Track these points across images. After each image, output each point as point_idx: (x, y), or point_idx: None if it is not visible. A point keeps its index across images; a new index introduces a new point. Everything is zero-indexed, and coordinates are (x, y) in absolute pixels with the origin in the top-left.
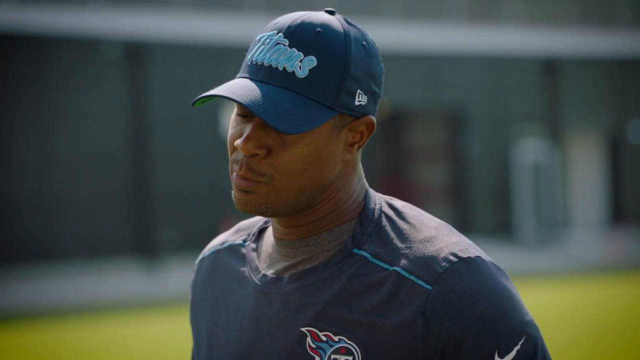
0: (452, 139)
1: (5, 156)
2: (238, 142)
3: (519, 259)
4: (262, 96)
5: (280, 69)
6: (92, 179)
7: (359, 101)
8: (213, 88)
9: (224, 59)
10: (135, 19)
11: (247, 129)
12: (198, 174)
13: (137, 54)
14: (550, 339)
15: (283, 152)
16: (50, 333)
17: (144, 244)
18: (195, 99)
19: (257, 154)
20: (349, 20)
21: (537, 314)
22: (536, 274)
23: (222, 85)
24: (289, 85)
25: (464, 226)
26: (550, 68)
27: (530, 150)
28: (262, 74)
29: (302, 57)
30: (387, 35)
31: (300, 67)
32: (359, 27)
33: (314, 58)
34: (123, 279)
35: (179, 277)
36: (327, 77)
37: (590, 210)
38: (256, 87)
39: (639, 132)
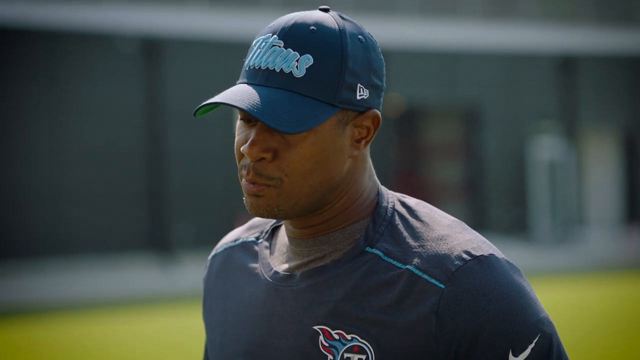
0: (468, 136)
1: (21, 151)
2: (244, 147)
3: (534, 257)
4: (260, 99)
5: (278, 71)
6: (108, 174)
7: (360, 95)
8: (228, 84)
9: (240, 55)
10: (151, 15)
11: (252, 134)
12: (213, 169)
13: (153, 49)
14: (565, 337)
15: (289, 153)
16: (63, 328)
17: (158, 239)
18: (196, 108)
19: (263, 158)
20: (344, 15)
21: (553, 313)
22: (551, 272)
23: (222, 93)
24: (287, 85)
25: (479, 224)
26: (566, 65)
27: (545, 148)
28: (260, 77)
29: (298, 56)
30: (403, 31)
31: (297, 66)
32: (354, 21)
33: (310, 56)
34: (137, 274)
35: (193, 273)
36: (325, 74)
37: (606, 209)
38: (255, 91)
39: None
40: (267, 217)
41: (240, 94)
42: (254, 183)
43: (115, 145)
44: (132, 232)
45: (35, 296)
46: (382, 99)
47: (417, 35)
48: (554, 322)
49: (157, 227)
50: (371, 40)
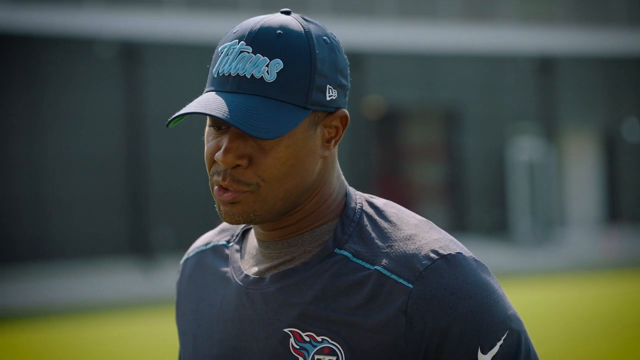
0: (448, 138)
1: (0, 156)
2: (218, 155)
3: (514, 257)
4: (234, 106)
5: (248, 77)
6: (88, 178)
7: (330, 96)
8: (206, 88)
9: None
10: (130, 19)
11: (225, 141)
12: (193, 173)
13: (132, 53)
14: (546, 338)
15: (264, 158)
16: (45, 333)
17: (139, 244)
18: (170, 119)
19: (239, 165)
20: (307, 17)
21: (532, 312)
22: (532, 272)
23: (194, 102)
24: (259, 91)
25: (459, 225)
26: (545, 66)
27: (525, 149)
28: (230, 84)
29: (268, 61)
30: (382, 33)
31: (267, 71)
32: (317, 23)
33: (279, 61)
34: (118, 279)
35: (174, 277)
36: (296, 78)
37: (586, 209)
38: (227, 98)
39: (634, 131)
40: (243, 223)
41: (213, 102)
42: (228, 190)
43: (95, 149)
44: (113, 236)
45: (16, 301)
46: (347, 98)
47: (397, 37)
48: (534, 322)
49: (138, 232)
50: (335, 41)
